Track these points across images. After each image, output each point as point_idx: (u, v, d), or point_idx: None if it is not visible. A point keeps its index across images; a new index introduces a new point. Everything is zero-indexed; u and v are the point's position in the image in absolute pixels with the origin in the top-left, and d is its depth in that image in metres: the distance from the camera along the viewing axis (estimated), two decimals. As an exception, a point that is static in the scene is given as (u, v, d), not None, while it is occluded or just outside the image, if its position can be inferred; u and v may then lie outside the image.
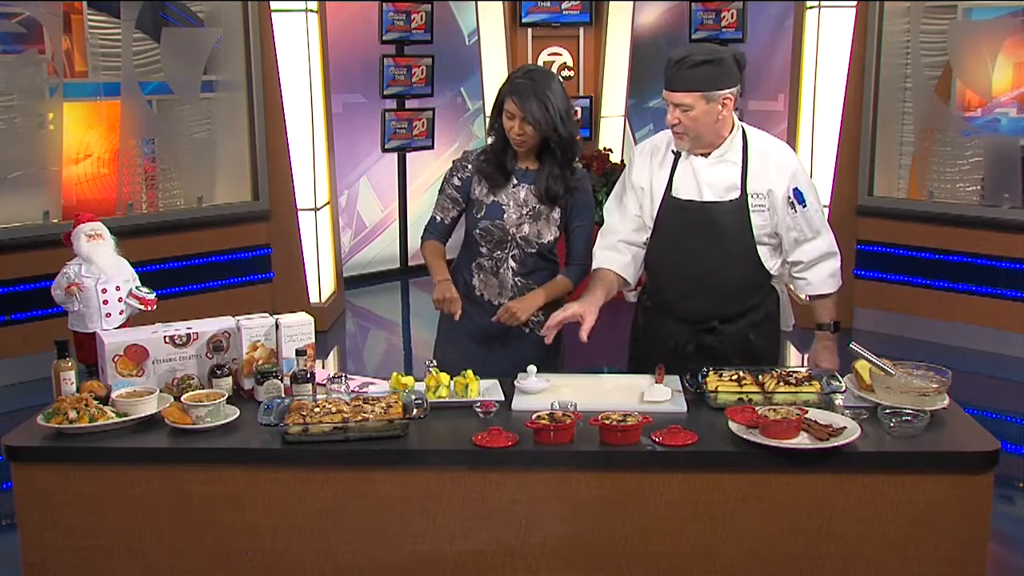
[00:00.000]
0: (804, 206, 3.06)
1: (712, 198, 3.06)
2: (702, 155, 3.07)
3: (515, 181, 3.27)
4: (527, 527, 2.56)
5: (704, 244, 3.07)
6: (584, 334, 3.01)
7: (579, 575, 2.58)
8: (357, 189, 8.41)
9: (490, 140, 3.31)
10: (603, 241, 3.25)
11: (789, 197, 3.04)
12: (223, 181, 6.83)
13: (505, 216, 3.26)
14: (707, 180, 3.06)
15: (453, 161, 3.39)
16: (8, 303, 5.75)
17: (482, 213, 3.28)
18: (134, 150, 6.41)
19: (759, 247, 3.09)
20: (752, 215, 3.05)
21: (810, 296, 3.23)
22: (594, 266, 3.23)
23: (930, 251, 6.53)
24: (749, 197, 3.04)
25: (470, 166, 3.31)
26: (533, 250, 3.30)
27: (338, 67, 7.50)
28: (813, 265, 3.15)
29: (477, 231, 3.29)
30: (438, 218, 3.37)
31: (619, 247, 3.20)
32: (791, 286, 3.30)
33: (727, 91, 2.96)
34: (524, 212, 3.26)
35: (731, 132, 3.06)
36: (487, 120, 3.31)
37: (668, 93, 2.98)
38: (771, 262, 3.13)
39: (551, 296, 3.30)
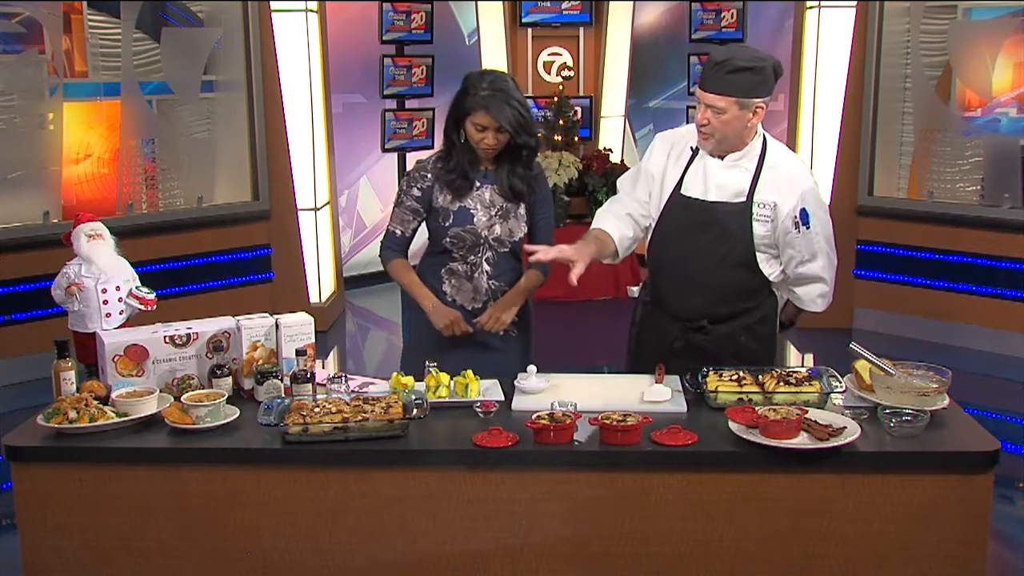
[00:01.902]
0: (807, 228, 3.05)
1: (717, 199, 3.06)
2: (718, 156, 3.07)
3: (478, 184, 3.25)
4: (527, 527, 2.56)
5: (703, 243, 3.08)
6: (574, 278, 2.94)
7: (579, 575, 2.58)
8: (357, 189, 8.42)
9: (441, 148, 3.26)
10: (611, 208, 3.25)
11: (795, 216, 3.04)
12: (223, 181, 6.83)
13: (475, 220, 3.23)
14: (717, 182, 3.06)
15: (408, 173, 3.34)
16: (8, 303, 5.75)
17: (450, 220, 3.24)
18: (134, 150, 6.40)
19: (758, 253, 3.09)
20: (754, 223, 3.05)
21: (794, 304, 3.26)
22: (594, 226, 3.21)
23: (930, 251, 6.52)
24: (754, 206, 3.04)
25: (429, 175, 3.26)
26: (506, 249, 3.27)
27: (338, 67, 7.50)
28: (804, 284, 3.18)
29: (447, 239, 3.24)
30: (398, 232, 3.31)
31: (624, 218, 3.21)
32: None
33: (761, 100, 2.96)
34: (493, 213, 3.24)
35: (753, 139, 3.06)
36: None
37: (702, 93, 2.97)
38: (769, 268, 3.13)
39: (528, 294, 3.32)
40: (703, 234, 3.07)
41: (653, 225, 3.19)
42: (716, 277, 3.10)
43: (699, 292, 3.12)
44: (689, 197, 3.09)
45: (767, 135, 3.11)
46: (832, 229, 3.18)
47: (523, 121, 3.12)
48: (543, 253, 3.00)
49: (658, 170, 3.18)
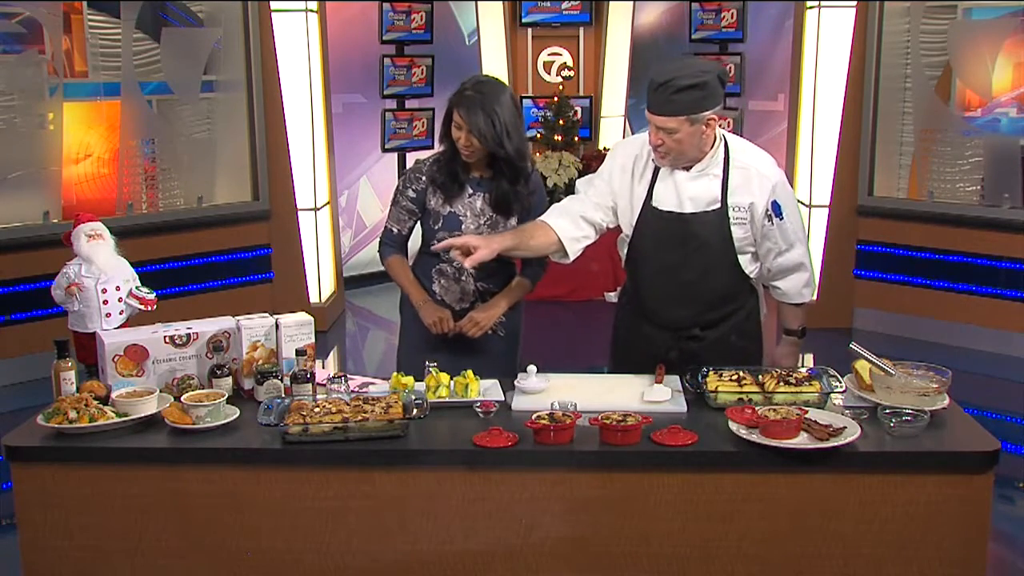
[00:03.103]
0: (781, 219, 3.04)
1: (693, 210, 3.03)
2: (683, 169, 3.04)
3: (470, 190, 3.24)
4: (527, 527, 2.56)
5: (685, 255, 3.06)
6: (466, 263, 2.95)
7: (579, 575, 2.58)
8: (357, 189, 8.41)
9: (441, 149, 3.26)
10: (565, 205, 3.17)
11: (767, 210, 3.03)
12: (223, 181, 6.83)
13: (463, 227, 3.23)
14: (689, 194, 3.02)
15: (405, 171, 3.34)
16: (8, 303, 5.75)
17: (439, 224, 3.25)
18: (134, 150, 6.41)
19: (740, 256, 3.08)
20: (733, 227, 3.03)
21: (784, 303, 3.24)
22: (541, 219, 3.15)
23: (930, 251, 6.52)
24: (730, 210, 3.02)
25: (423, 177, 3.27)
26: (492, 257, 3.27)
27: (338, 67, 7.50)
28: (786, 275, 3.16)
29: (435, 242, 3.25)
30: (395, 230, 3.35)
31: (576, 218, 3.13)
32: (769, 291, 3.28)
33: (711, 111, 2.92)
34: (482, 222, 3.24)
35: (713, 146, 3.02)
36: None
37: (652, 116, 2.93)
38: (751, 267, 3.13)
39: (512, 302, 3.31)
40: (684, 247, 3.05)
41: (628, 239, 3.15)
42: (703, 286, 3.09)
43: (688, 303, 3.11)
44: (664, 211, 3.05)
45: (727, 135, 3.08)
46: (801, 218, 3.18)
47: (494, 132, 3.07)
48: (446, 242, 3.01)
49: (622, 183, 3.12)
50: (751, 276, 3.15)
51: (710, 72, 2.92)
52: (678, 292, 3.10)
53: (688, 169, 3.03)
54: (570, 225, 3.12)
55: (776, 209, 3.03)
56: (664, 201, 3.05)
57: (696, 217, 3.03)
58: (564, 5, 8.09)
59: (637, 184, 3.10)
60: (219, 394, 2.77)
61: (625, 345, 3.31)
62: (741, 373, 2.88)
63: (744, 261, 3.10)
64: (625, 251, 3.19)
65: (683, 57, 3.13)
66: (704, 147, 3.00)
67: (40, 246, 5.57)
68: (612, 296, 3.26)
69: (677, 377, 2.95)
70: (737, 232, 3.04)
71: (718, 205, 3.03)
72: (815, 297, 3.23)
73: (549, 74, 8.28)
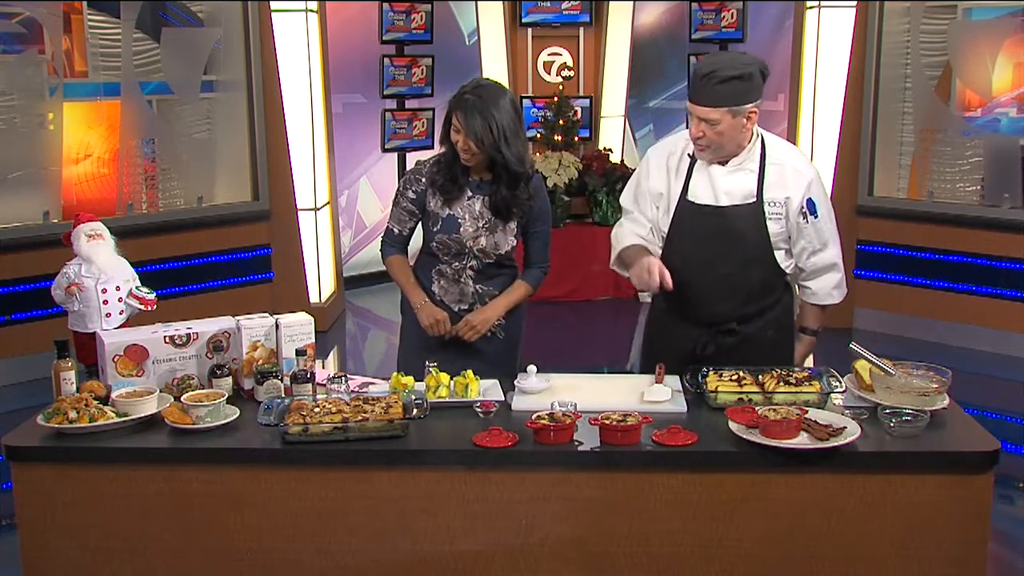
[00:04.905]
0: (816, 217, 3.07)
1: (729, 203, 3.05)
2: (719, 163, 3.06)
3: (469, 193, 3.23)
4: (527, 527, 2.56)
5: (722, 248, 3.07)
6: (669, 283, 2.97)
7: (579, 575, 2.58)
8: (357, 189, 8.42)
9: (442, 150, 3.25)
10: (632, 228, 3.21)
11: (802, 207, 3.05)
12: (223, 181, 6.83)
13: (461, 230, 3.22)
14: (725, 188, 3.05)
15: (406, 172, 3.35)
16: (8, 303, 5.75)
17: (438, 226, 3.24)
18: (134, 150, 6.40)
19: (776, 251, 3.10)
20: (768, 222, 3.05)
21: (811, 303, 3.24)
22: (627, 244, 3.17)
23: (930, 251, 6.52)
24: (765, 205, 3.04)
25: (423, 179, 3.27)
26: (491, 260, 3.27)
27: (338, 67, 7.50)
28: (818, 275, 3.18)
29: (434, 243, 3.26)
30: (396, 230, 3.34)
31: (648, 237, 3.18)
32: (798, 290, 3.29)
33: (753, 104, 2.95)
34: (480, 225, 3.23)
35: (751, 141, 3.05)
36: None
37: (694, 106, 2.95)
38: (786, 263, 3.15)
39: (510, 305, 3.31)
40: (721, 240, 3.07)
41: (665, 235, 3.16)
42: (740, 279, 3.10)
43: (726, 297, 3.12)
44: (700, 204, 3.08)
45: (763, 132, 3.10)
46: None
47: (492, 137, 3.06)
48: (649, 266, 3.01)
49: (661, 185, 3.15)
50: (787, 271, 3.16)
51: (753, 65, 2.95)
52: (716, 285, 3.11)
53: (724, 163, 3.05)
54: (649, 246, 3.15)
55: (811, 207, 3.06)
56: (700, 195, 3.08)
57: (732, 210, 3.05)
58: (564, 5, 8.08)
59: (674, 180, 3.13)
60: (219, 394, 2.77)
61: (659, 344, 3.30)
62: (741, 373, 2.88)
63: (780, 256, 3.11)
64: (660, 248, 3.20)
65: (727, 51, 3.19)
66: (743, 141, 3.02)
67: (40, 246, 5.57)
68: (646, 296, 3.28)
69: (677, 377, 2.95)
70: (773, 227, 3.06)
71: (754, 199, 3.04)
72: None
73: (549, 74, 8.27)
